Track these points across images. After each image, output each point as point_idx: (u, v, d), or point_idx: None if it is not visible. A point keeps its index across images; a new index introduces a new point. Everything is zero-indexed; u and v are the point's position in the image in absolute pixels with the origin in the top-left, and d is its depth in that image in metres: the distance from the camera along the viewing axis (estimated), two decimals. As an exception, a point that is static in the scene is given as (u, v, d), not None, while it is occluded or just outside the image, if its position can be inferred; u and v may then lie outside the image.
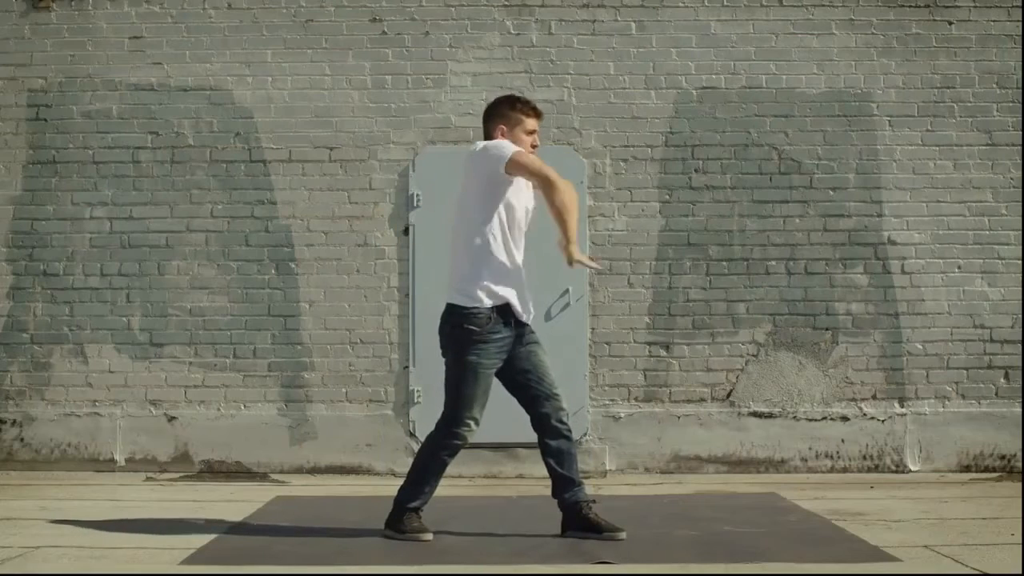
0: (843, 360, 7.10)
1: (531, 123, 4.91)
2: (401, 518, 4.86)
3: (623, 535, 4.78)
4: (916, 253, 7.14)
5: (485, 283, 4.74)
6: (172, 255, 7.12)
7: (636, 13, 7.23)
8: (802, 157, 7.18)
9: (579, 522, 4.83)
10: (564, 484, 4.86)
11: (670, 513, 5.46)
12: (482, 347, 4.74)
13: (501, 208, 4.77)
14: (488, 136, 4.95)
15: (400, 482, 5.77)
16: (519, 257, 4.86)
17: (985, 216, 7.16)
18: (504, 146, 4.74)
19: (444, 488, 5.66)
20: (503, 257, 4.77)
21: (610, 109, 7.19)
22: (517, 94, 5.18)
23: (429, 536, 4.81)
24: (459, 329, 4.77)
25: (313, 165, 7.17)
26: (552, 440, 4.87)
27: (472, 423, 4.80)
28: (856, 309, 7.13)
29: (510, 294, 4.77)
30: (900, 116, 7.20)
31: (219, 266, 7.11)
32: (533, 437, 6.89)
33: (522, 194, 4.88)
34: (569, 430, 4.90)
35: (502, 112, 4.92)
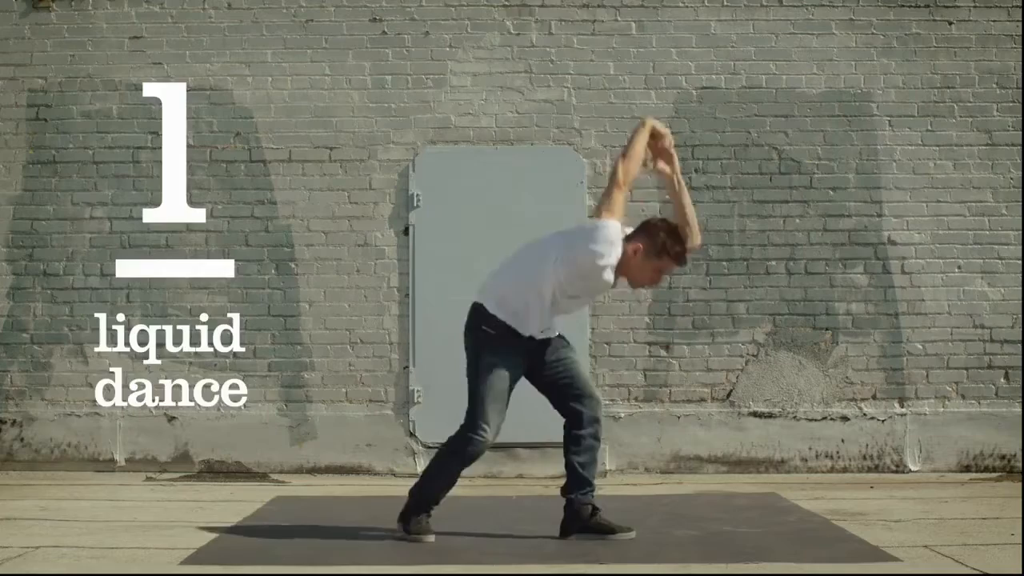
0: (843, 360, 7.10)
1: (667, 266, 4.71)
2: (411, 515, 4.80)
3: (633, 534, 4.77)
4: (916, 253, 7.14)
5: (512, 311, 4.66)
6: (172, 255, 7.12)
7: (636, 13, 7.23)
8: (802, 157, 7.18)
9: (588, 526, 4.79)
10: (579, 484, 4.79)
11: (670, 513, 5.46)
12: (497, 348, 4.67)
13: (565, 283, 4.65)
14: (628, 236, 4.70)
15: (399, 482, 5.81)
16: (552, 319, 4.73)
17: (985, 216, 7.16)
18: (611, 254, 4.54)
19: (444, 488, 5.66)
20: (536, 311, 4.66)
21: (610, 109, 7.19)
22: (684, 238, 4.75)
23: (431, 538, 4.76)
24: (478, 331, 4.71)
25: (313, 165, 7.17)
26: (584, 439, 4.77)
27: (486, 429, 4.68)
28: (856, 309, 7.12)
29: (523, 326, 4.68)
30: (900, 116, 7.20)
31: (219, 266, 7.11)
32: (533, 437, 6.93)
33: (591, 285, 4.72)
34: (600, 431, 4.82)
35: (657, 239, 4.64)
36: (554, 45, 7.22)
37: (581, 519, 4.79)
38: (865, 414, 7.06)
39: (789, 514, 5.51)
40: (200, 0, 7.24)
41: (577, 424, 4.79)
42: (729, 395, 7.08)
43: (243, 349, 7.06)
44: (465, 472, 6.72)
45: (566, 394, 4.80)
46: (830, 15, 7.24)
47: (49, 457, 7.01)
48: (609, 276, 4.62)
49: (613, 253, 4.56)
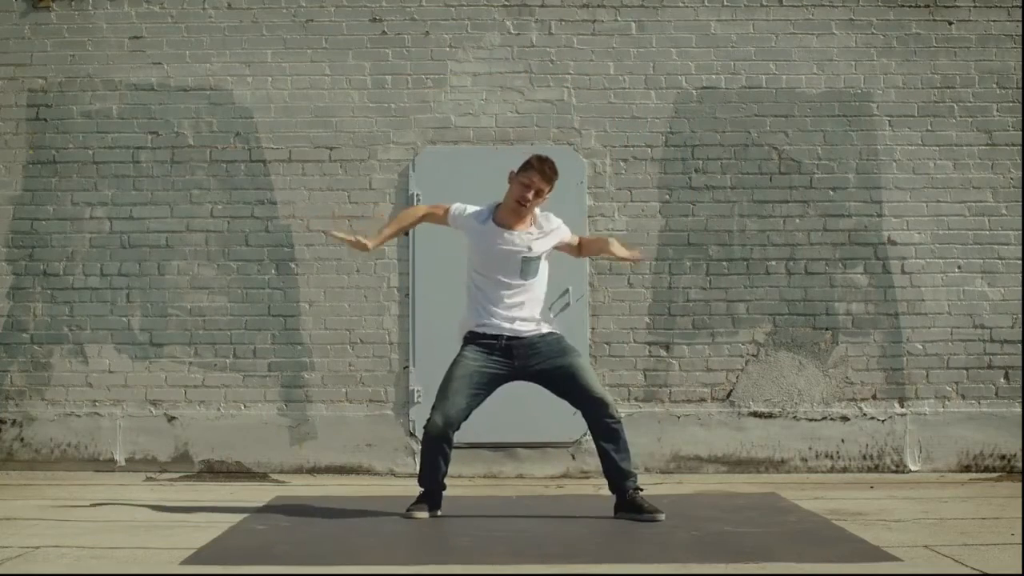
0: (843, 360, 7.10)
1: (529, 177, 5.22)
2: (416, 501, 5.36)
3: (663, 516, 5.21)
4: (916, 253, 7.14)
5: (464, 317, 5.41)
6: (172, 255, 7.12)
7: (636, 13, 7.23)
8: (802, 157, 7.18)
9: (626, 505, 5.29)
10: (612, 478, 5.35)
11: (670, 513, 5.45)
12: (462, 350, 5.34)
13: (471, 255, 5.40)
14: None
15: (399, 482, 5.82)
16: (501, 292, 5.28)
17: (985, 216, 7.16)
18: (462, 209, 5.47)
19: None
20: (474, 303, 5.34)
21: (610, 109, 7.19)
22: (544, 156, 5.38)
23: (423, 515, 5.26)
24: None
25: (313, 165, 7.17)
26: (597, 443, 5.32)
27: (437, 415, 5.19)
28: (856, 309, 7.13)
29: (476, 325, 5.31)
30: (900, 116, 7.20)
31: (219, 266, 7.12)
32: (533, 437, 6.95)
33: (487, 240, 5.31)
34: (610, 427, 5.27)
35: (525, 161, 5.31)
36: (554, 45, 7.22)
37: (623, 500, 5.32)
38: (865, 414, 7.06)
39: (789, 514, 5.51)
40: (200, 0, 7.24)
41: (590, 429, 5.34)
42: (729, 395, 7.09)
43: (243, 349, 7.07)
44: (465, 472, 6.78)
45: (574, 401, 5.33)
46: (830, 15, 7.24)
47: (49, 457, 7.01)
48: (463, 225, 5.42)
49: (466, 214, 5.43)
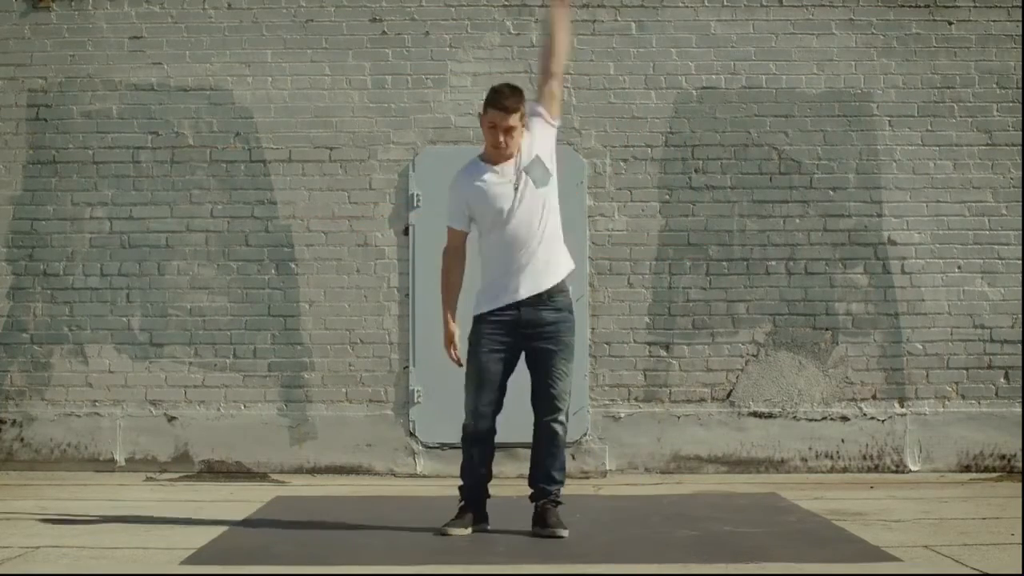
0: (843, 360, 7.10)
1: (491, 116, 4.77)
2: (459, 511, 4.97)
3: (565, 533, 4.79)
4: (916, 253, 7.14)
5: (480, 291, 5.01)
6: (172, 255, 7.12)
7: (636, 13, 7.23)
8: (802, 157, 7.18)
9: (536, 515, 4.90)
10: (536, 477, 4.98)
11: (670, 513, 5.46)
12: (478, 334, 4.93)
13: (477, 222, 5.01)
14: None
15: (399, 482, 5.78)
16: (508, 251, 4.86)
17: (985, 216, 7.16)
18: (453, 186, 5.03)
19: (444, 488, 5.68)
20: (490, 269, 4.96)
21: (610, 109, 7.19)
22: (500, 85, 4.97)
23: (457, 532, 4.85)
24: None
25: (313, 165, 7.17)
26: (535, 438, 4.97)
27: (468, 415, 4.90)
28: (856, 309, 7.12)
29: (486, 298, 4.94)
30: (900, 116, 7.20)
31: (219, 266, 7.12)
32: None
33: (479, 186, 4.89)
34: (552, 432, 4.90)
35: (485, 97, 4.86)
36: (554, 45, 7.21)
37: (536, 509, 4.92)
38: (865, 414, 7.06)
39: (789, 514, 5.51)
40: (200, 0, 7.24)
41: (534, 422, 4.96)
42: (729, 395, 7.08)
43: (243, 349, 7.07)
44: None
45: (533, 384, 4.94)
46: (830, 15, 7.24)
47: (49, 457, 7.01)
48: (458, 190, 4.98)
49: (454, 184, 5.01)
